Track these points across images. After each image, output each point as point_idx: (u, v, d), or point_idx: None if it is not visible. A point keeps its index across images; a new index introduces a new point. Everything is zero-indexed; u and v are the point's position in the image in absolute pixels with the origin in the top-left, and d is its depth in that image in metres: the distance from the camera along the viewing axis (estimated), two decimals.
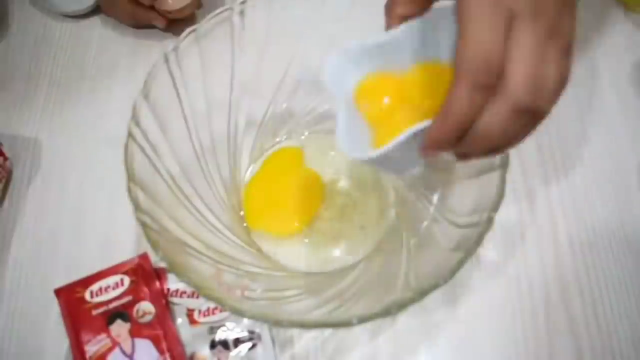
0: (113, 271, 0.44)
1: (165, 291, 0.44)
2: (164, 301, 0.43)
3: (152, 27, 0.56)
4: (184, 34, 0.41)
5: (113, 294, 0.43)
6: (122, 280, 0.43)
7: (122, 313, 0.42)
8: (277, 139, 0.51)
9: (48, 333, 0.44)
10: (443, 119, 0.26)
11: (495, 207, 0.36)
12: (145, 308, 0.43)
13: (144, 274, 0.44)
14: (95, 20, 0.59)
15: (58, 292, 0.43)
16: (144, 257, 0.45)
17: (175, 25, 0.56)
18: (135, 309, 0.43)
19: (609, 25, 0.58)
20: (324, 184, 0.48)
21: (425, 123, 0.27)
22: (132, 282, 0.43)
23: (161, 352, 0.41)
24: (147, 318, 0.42)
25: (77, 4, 0.58)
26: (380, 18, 0.44)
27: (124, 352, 0.41)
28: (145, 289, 0.43)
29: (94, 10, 0.59)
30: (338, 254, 0.46)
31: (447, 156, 0.29)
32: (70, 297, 0.43)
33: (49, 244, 0.48)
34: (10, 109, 0.54)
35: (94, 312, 0.42)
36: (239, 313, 0.33)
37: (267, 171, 0.50)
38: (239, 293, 0.38)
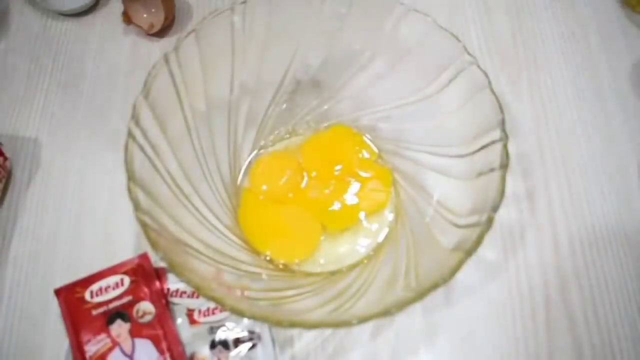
0: (113, 271, 0.44)
1: (165, 291, 0.44)
2: (164, 301, 0.43)
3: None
4: (184, 33, 0.41)
5: (113, 294, 0.43)
6: (122, 280, 0.43)
7: (122, 313, 0.42)
8: (277, 139, 0.51)
9: (48, 333, 0.44)
10: None
11: (495, 207, 0.36)
12: (145, 308, 0.43)
13: (144, 274, 0.44)
14: (95, 20, 0.59)
15: (58, 292, 0.43)
16: (144, 257, 0.45)
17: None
18: (135, 309, 0.43)
19: (609, 25, 0.58)
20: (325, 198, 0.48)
21: None
22: (132, 282, 0.43)
23: (161, 352, 0.41)
24: (147, 318, 0.42)
25: (73, 3, 0.58)
26: (377, 17, 0.44)
27: (124, 352, 0.41)
28: (145, 289, 0.43)
29: (91, 9, 0.59)
30: (338, 254, 0.46)
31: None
32: (70, 297, 0.43)
33: (49, 244, 0.48)
34: (10, 109, 0.54)
35: (94, 312, 0.42)
36: (239, 313, 0.33)
37: (261, 188, 0.48)
38: (239, 293, 0.38)
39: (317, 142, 0.50)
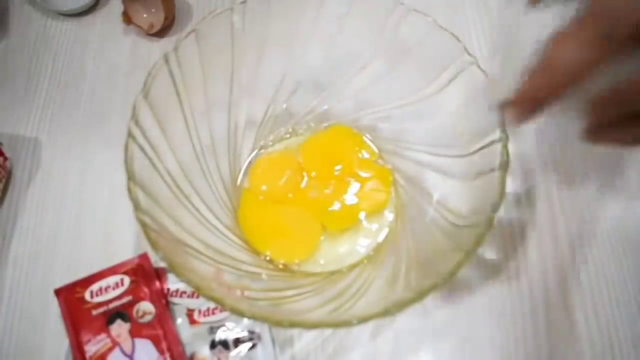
0: (113, 271, 0.44)
1: (165, 291, 0.44)
2: (164, 301, 0.43)
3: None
4: (184, 33, 0.41)
5: (113, 294, 0.43)
6: (122, 280, 0.43)
7: (122, 313, 0.42)
8: (277, 139, 0.51)
9: (48, 333, 0.44)
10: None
11: (496, 208, 0.35)
12: (145, 308, 0.43)
13: (144, 274, 0.44)
14: (95, 20, 0.59)
15: (58, 292, 0.43)
16: (144, 257, 0.45)
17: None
18: (135, 309, 0.43)
19: None
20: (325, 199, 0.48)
21: None
22: (132, 282, 0.43)
23: (161, 352, 0.41)
24: (147, 318, 0.42)
25: (73, 3, 0.58)
26: (377, 17, 0.44)
27: (124, 352, 0.41)
28: (145, 289, 0.43)
29: (91, 9, 0.59)
30: (338, 254, 0.46)
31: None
32: (70, 297, 0.43)
33: (49, 244, 0.48)
34: (10, 109, 0.54)
35: (94, 312, 0.42)
36: (239, 313, 0.33)
37: (260, 189, 0.48)
38: (239, 293, 0.38)
39: (317, 142, 0.50)
